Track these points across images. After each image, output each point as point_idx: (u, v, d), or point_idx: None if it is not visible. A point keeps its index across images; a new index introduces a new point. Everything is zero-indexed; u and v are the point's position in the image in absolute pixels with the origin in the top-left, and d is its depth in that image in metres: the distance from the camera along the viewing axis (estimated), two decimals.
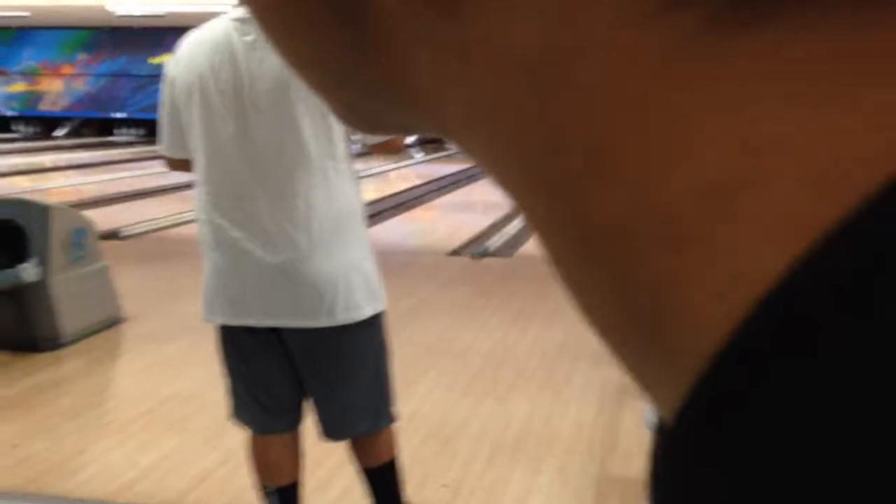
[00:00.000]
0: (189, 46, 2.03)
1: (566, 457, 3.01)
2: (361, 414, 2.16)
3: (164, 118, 2.10)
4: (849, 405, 0.11)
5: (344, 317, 2.02)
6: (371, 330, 2.10)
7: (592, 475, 2.87)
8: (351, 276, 2.03)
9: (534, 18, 0.15)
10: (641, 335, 0.16)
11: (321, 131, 1.96)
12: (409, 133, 0.22)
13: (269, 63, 1.92)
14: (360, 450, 2.26)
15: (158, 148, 2.18)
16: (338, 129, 1.97)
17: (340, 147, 2.00)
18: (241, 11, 1.95)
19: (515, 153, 0.16)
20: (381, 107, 0.20)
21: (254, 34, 1.92)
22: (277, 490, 2.27)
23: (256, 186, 1.97)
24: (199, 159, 2.03)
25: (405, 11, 0.17)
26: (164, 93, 2.07)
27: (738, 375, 0.13)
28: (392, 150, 2.24)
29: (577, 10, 0.15)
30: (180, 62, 2.04)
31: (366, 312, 2.05)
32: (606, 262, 0.15)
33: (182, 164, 2.12)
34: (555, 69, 0.15)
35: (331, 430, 2.19)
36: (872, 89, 0.13)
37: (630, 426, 3.15)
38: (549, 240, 0.17)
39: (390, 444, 2.28)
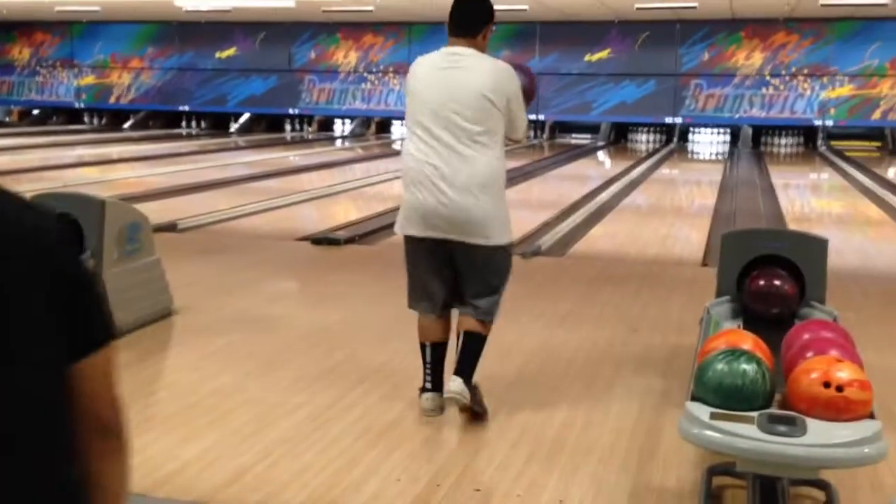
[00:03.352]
0: (418, 63, 3.33)
1: (602, 465, 2.97)
2: (485, 303, 3.29)
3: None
4: None
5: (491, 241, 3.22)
6: (503, 253, 3.33)
7: (628, 484, 2.82)
8: (496, 214, 3.21)
9: None
10: None
11: (485, 124, 3.17)
12: None
13: (462, 80, 3.17)
14: (469, 324, 3.29)
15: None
16: (496, 125, 3.19)
17: (496, 134, 3.21)
18: (452, 49, 3.26)
19: None
20: None
21: (453, 62, 3.22)
22: (430, 344, 3.35)
23: (447, 153, 3.15)
24: (415, 129, 3.24)
25: None
26: (407, 86, 3.34)
27: None
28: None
29: None
30: (412, 72, 3.32)
31: (502, 241, 3.26)
32: None
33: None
34: None
35: (466, 309, 3.31)
36: None
37: (670, 434, 3.09)
38: None
39: (487, 331, 3.33)
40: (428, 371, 3.33)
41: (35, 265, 1.02)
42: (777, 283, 3.45)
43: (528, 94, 3.36)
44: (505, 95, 3.18)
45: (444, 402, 3.30)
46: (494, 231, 3.20)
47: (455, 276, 3.30)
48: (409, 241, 3.30)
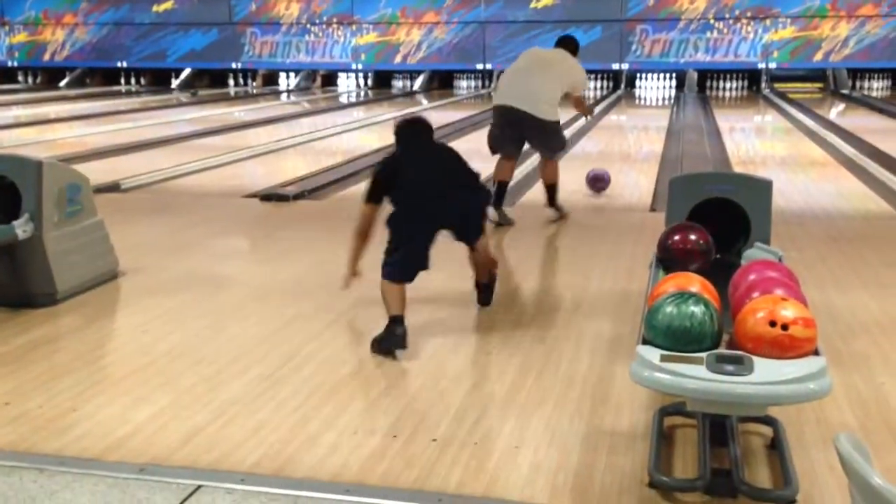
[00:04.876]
0: (527, 50, 6.43)
1: (556, 411, 3.00)
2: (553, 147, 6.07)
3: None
4: None
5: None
6: (556, 126, 5.99)
7: (581, 429, 2.86)
8: (550, 111, 5.85)
9: None
10: None
11: (555, 86, 5.86)
12: None
13: (550, 66, 5.92)
14: (543, 170, 6.12)
15: None
16: (560, 89, 5.91)
17: (559, 93, 5.94)
18: (554, 48, 6.21)
19: None
20: None
21: (551, 57, 6.07)
22: (499, 181, 5.95)
23: (530, 87, 5.82)
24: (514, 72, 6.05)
25: None
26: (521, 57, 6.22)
27: None
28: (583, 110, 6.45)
29: None
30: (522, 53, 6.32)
31: (553, 118, 5.91)
32: None
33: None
34: None
35: (543, 153, 6.13)
36: None
37: (622, 379, 3.14)
38: None
39: (556, 173, 6.02)
40: (495, 194, 5.68)
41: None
42: (693, 238, 3.31)
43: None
44: (570, 76, 5.94)
45: (502, 218, 5.77)
46: (541, 111, 5.75)
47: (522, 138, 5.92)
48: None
